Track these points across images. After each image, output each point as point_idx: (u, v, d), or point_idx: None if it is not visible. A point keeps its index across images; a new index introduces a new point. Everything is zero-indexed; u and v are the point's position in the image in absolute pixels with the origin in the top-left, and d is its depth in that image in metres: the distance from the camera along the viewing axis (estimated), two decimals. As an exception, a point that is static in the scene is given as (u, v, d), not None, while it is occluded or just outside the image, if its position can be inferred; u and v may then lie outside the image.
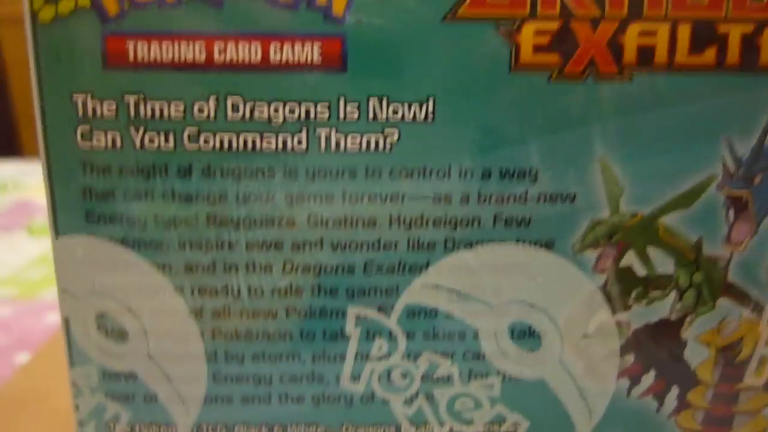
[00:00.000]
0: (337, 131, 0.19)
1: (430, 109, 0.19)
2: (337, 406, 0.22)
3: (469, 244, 0.20)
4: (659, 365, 0.22)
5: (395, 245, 0.20)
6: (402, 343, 0.21)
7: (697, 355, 0.21)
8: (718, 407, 0.22)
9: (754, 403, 0.22)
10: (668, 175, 0.20)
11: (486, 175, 0.19)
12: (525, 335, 0.21)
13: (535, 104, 0.19)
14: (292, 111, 0.19)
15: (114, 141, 0.19)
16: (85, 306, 0.21)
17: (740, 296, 0.21)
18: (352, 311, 0.21)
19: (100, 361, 0.21)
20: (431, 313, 0.21)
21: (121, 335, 0.21)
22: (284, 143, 0.19)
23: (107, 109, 0.19)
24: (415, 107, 0.19)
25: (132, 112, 0.19)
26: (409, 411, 0.22)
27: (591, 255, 0.20)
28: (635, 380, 0.22)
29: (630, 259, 0.20)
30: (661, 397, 0.22)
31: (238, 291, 0.20)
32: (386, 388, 0.22)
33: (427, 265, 0.20)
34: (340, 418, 0.22)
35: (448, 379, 0.21)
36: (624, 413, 0.22)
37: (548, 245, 0.20)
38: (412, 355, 0.21)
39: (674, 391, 0.22)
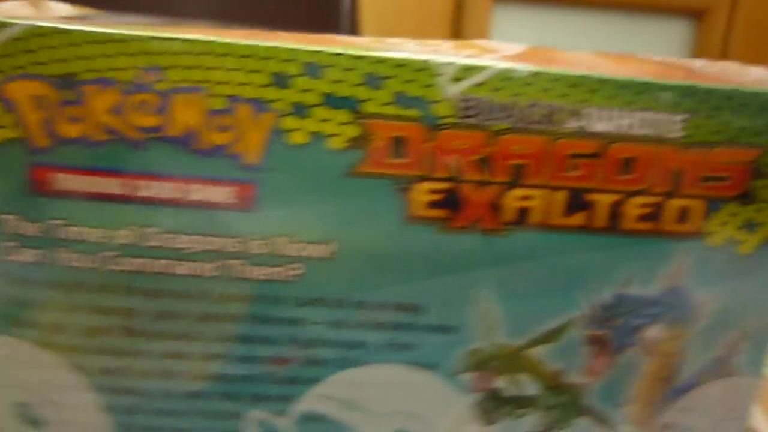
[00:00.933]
0: (246, 263, 0.21)
1: (332, 249, 0.21)
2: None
3: (360, 363, 0.22)
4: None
5: (294, 361, 0.22)
6: (297, 442, 0.23)
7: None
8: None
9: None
10: (538, 315, 0.22)
11: (379, 307, 0.22)
12: (406, 441, 0.24)
13: (426, 250, 0.21)
14: (204, 243, 0.21)
15: (38, 257, 0.21)
16: (3, 396, 0.22)
17: (597, 417, 0.24)
18: (253, 414, 0.23)
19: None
20: (323, 419, 0.23)
21: (35, 424, 0.23)
22: (196, 271, 0.21)
23: (33, 229, 0.21)
24: (319, 246, 0.21)
25: (56, 234, 0.21)
26: None
27: (468, 377, 0.23)
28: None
29: (501, 382, 0.23)
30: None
31: (149, 393, 0.22)
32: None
33: (320, 378, 0.23)
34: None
35: None
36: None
37: (430, 367, 0.23)
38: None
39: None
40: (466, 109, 0.21)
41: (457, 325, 0.22)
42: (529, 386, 0.23)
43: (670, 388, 0.23)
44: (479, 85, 0.20)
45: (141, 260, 0.21)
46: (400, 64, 0.20)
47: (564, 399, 0.23)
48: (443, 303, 0.22)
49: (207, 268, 0.21)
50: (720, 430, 0.24)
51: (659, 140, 0.21)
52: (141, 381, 0.22)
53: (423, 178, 0.21)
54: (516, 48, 0.24)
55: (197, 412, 0.23)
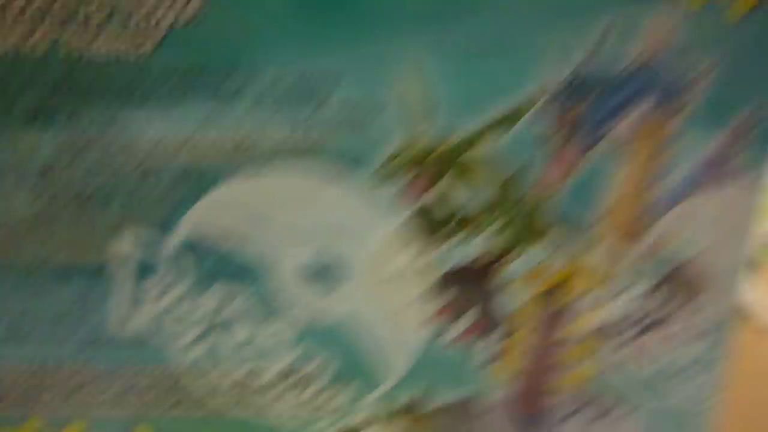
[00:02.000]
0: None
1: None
2: (107, 349, 0.19)
3: (257, 165, 0.17)
4: (470, 312, 0.19)
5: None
6: (186, 276, 0.18)
7: (512, 300, 0.19)
8: (538, 358, 0.20)
9: (577, 353, 0.21)
10: (486, 92, 0.17)
11: (274, 80, 0.17)
12: (322, 273, 0.19)
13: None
14: None
15: None
16: None
17: (561, 236, 0.19)
18: (129, 231, 0.18)
19: None
20: (218, 240, 0.18)
21: None
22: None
23: None
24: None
25: None
26: (188, 357, 0.19)
27: (394, 187, 0.18)
28: (444, 328, 0.20)
29: (437, 192, 0.18)
30: (473, 346, 0.20)
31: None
32: (163, 331, 0.19)
33: (216, 182, 0.17)
34: (111, 363, 0.19)
35: (235, 321, 0.19)
36: (433, 364, 0.20)
37: (348, 171, 0.18)
38: (196, 292, 0.18)
39: (488, 339, 0.20)
40: None
41: (380, 103, 0.17)
42: (473, 197, 0.18)
43: (657, 194, 0.19)
44: None
45: None
46: None
47: (519, 215, 0.19)
48: (364, 72, 0.17)
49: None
50: (718, 247, 0.19)
51: None
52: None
53: None
54: None
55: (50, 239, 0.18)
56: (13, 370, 0.19)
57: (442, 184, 0.18)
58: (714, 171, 0.19)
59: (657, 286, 0.20)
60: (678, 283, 0.20)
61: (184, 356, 0.19)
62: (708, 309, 0.20)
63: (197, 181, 0.17)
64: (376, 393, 0.20)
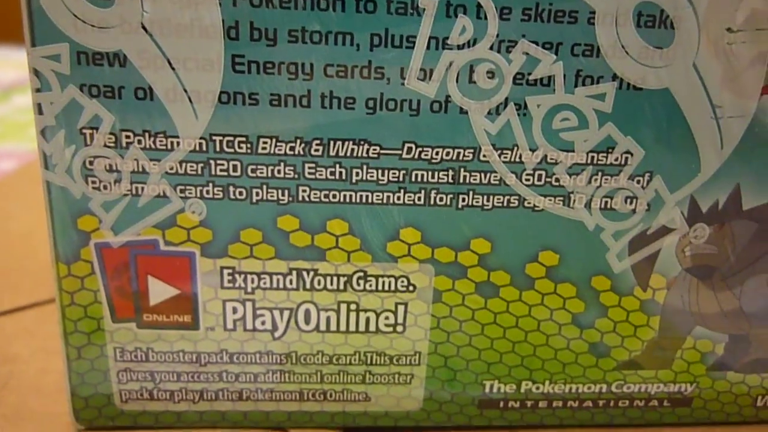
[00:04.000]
0: None
1: None
2: (399, 114, 0.16)
3: None
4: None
5: None
6: (493, 24, 0.16)
7: None
8: None
9: None
10: None
11: None
12: (654, 23, 0.16)
13: None
14: None
15: None
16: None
17: None
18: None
19: (75, 36, 0.15)
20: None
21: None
22: None
23: None
24: None
25: None
26: (492, 126, 0.17)
27: None
28: None
29: None
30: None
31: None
32: (466, 92, 0.16)
33: None
34: (401, 133, 0.17)
35: (547, 83, 0.16)
36: (763, 142, 0.17)
37: None
38: (504, 45, 0.16)
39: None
40: None
41: None
42: None
43: None
44: None
45: None
46: None
47: None
48: None
49: None
50: None
51: None
52: None
53: None
54: None
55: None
56: (281, 143, 0.16)
57: None
58: None
59: None
60: None
61: (483, 129, 0.16)
62: None
63: None
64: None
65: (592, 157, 0.17)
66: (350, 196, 0.17)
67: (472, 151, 0.17)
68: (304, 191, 0.17)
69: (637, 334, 0.19)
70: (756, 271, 0.18)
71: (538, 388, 0.19)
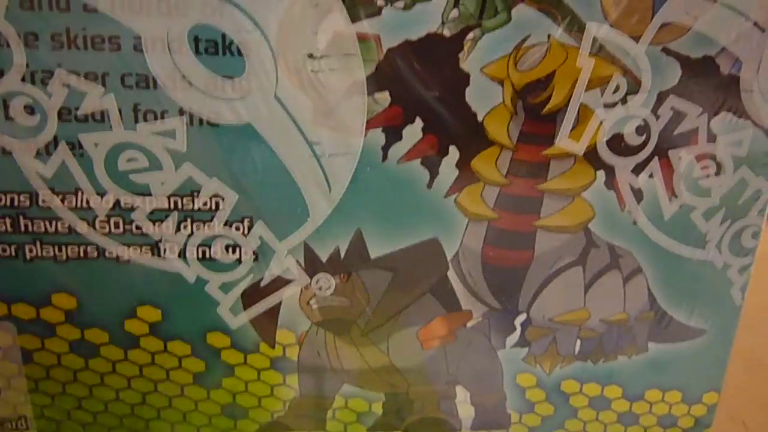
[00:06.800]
0: None
1: None
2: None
3: None
4: (427, 111, 0.14)
5: None
6: (19, 51, 0.13)
7: (484, 97, 0.14)
8: (518, 181, 0.15)
9: (571, 181, 0.15)
10: None
11: None
12: (217, 49, 0.14)
13: None
14: None
15: None
16: None
17: (549, 3, 0.14)
18: None
19: None
20: None
21: None
22: None
23: None
24: None
25: None
26: (45, 169, 0.14)
27: None
28: (394, 133, 0.15)
29: None
30: (433, 163, 0.15)
31: None
32: (5, 130, 0.14)
33: None
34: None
35: (101, 118, 0.14)
36: (380, 182, 0.15)
37: None
38: (39, 76, 0.13)
39: (452, 154, 0.15)
40: None
41: None
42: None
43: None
44: None
45: None
46: None
47: None
48: None
49: None
50: None
51: None
52: None
53: None
54: None
55: None
56: None
57: None
58: None
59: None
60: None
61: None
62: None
63: None
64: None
65: (175, 202, 0.15)
66: None
67: (27, 196, 0.14)
68: None
69: (275, 393, 0.17)
70: (401, 325, 0.16)
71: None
